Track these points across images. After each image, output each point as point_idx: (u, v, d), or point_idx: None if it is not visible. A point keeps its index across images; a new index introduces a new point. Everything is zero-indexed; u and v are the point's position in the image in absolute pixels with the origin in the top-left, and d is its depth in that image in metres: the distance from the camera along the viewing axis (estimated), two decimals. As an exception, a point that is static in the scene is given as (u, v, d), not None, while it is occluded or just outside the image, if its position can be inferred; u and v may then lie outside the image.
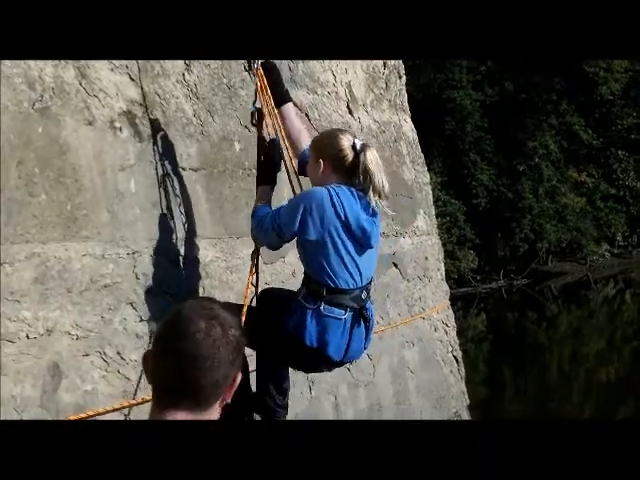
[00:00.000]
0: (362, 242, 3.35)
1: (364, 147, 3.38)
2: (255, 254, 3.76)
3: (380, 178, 3.34)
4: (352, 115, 5.74)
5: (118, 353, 3.54)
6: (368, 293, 3.47)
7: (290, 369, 3.71)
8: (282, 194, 4.19)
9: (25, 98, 3.29)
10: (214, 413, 1.75)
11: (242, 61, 4.60)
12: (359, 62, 5.98)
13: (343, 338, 3.34)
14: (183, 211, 4.02)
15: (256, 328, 3.37)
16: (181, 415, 1.69)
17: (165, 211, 3.89)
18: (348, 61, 5.81)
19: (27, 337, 3.15)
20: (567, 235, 27.92)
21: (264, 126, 3.87)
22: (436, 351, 6.86)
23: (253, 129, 4.67)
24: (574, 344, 16.24)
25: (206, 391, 1.70)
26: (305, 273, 3.47)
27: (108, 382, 3.50)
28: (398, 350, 6.17)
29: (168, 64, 4.09)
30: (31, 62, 3.34)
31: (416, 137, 6.88)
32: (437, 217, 7.13)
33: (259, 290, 3.77)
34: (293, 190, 3.86)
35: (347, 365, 5.29)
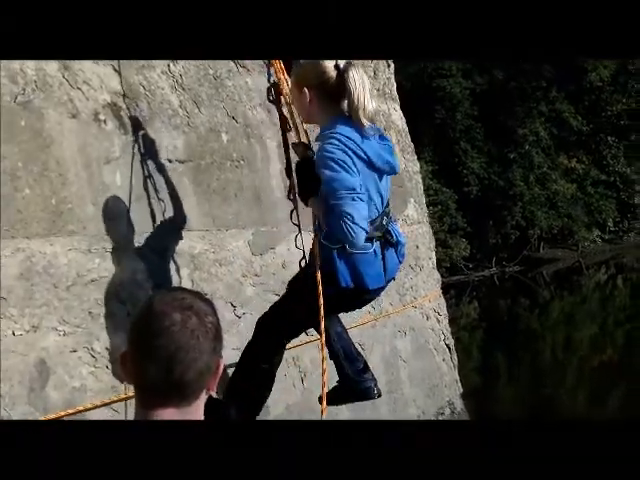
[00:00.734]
0: (386, 172, 3.25)
1: (348, 65, 3.13)
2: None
3: (364, 97, 3.10)
4: (340, 104, 5.70)
5: (106, 349, 3.51)
6: (388, 215, 3.35)
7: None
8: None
9: (7, 92, 3.25)
10: (200, 405, 1.72)
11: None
12: (346, 51, 5.93)
13: (379, 267, 3.27)
14: (170, 204, 3.98)
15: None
16: (169, 413, 1.66)
17: (152, 204, 3.85)
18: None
19: (13, 334, 3.12)
20: (558, 221, 27.97)
21: (282, 102, 3.68)
22: (428, 340, 6.86)
23: (241, 120, 4.65)
24: (567, 330, 16.27)
25: (191, 384, 1.67)
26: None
27: (96, 378, 3.46)
28: (390, 340, 6.15)
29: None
30: (12, 55, 3.30)
31: (405, 126, 6.85)
32: (428, 206, 7.13)
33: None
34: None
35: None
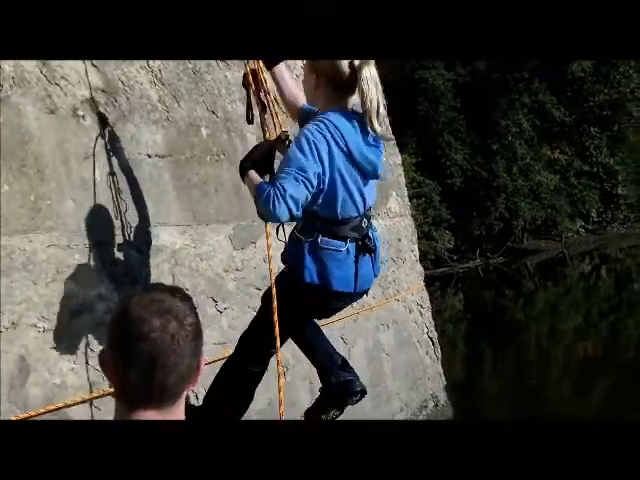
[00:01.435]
0: (367, 172, 3.17)
1: (362, 64, 3.09)
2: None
3: (376, 98, 3.08)
4: (321, 98, 5.70)
5: (87, 345, 3.50)
6: (369, 220, 3.29)
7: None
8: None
9: (-16, 88, 3.23)
10: (181, 404, 1.72)
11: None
12: (327, 44, 5.93)
13: (348, 270, 3.18)
14: (150, 199, 3.97)
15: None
16: (150, 414, 1.65)
17: (132, 199, 3.84)
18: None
19: (-7, 331, 3.11)
20: (542, 212, 28.01)
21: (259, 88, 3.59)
22: (411, 333, 6.87)
23: (221, 114, 4.65)
24: (551, 320, 16.30)
25: (173, 387, 1.66)
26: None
27: (77, 374, 3.46)
28: (373, 333, 6.17)
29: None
30: (-11, 51, 3.28)
31: (387, 117, 6.85)
32: (412, 198, 7.14)
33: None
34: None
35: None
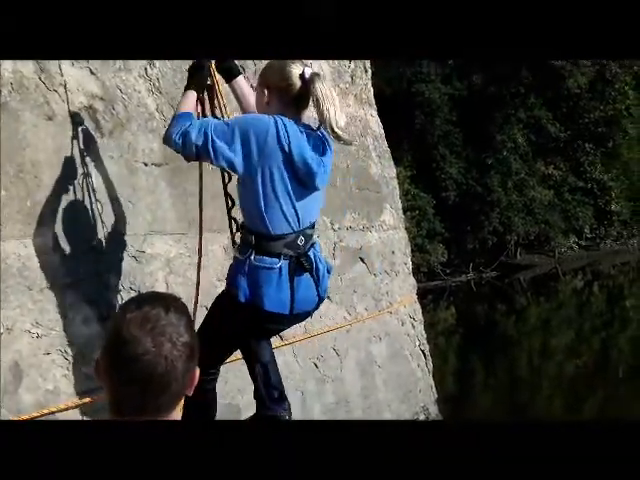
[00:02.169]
0: (305, 181, 3.05)
1: (314, 76, 3.05)
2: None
3: (333, 109, 3.00)
4: (318, 109, 5.72)
5: (80, 351, 3.50)
6: (308, 238, 3.15)
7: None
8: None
9: (-17, 93, 3.25)
10: (177, 411, 1.73)
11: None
12: (324, 56, 5.95)
13: (281, 290, 3.05)
14: (146, 207, 3.98)
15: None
16: None
17: (128, 207, 3.86)
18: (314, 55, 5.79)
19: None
20: (535, 228, 28.00)
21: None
22: (404, 345, 6.87)
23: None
24: (543, 336, 16.32)
25: (167, 403, 1.67)
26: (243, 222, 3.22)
27: (70, 381, 3.46)
28: (365, 345, 6.17)
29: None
30: (-12, 57, 3.30)
31: (382, 131, 6.88)
32: (406, 211, 7.15)
33: None
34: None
35: (314, 360, 5.29)
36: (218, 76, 3.47)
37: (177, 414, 1.73)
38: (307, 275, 3.13)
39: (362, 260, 5.90)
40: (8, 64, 3.37)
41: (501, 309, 20.80)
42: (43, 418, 3.24)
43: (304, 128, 3.07)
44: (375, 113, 6.80)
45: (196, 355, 1.72)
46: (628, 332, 15.36)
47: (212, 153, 2.96)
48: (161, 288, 3.95)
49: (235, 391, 4.40)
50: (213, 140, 2.94)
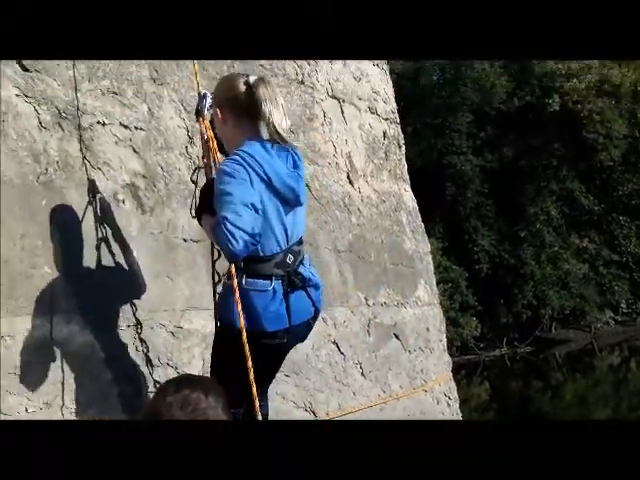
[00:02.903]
0: (289, 199, 3.04)
1: (258, 81, 3.06)
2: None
3: (276, 111, 3.01)
4: (352, 185, 5.78)
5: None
6: (296, 255, 3.13)
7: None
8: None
9: (30, 171, 3.35)
10: None
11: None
12: (359, 133, 6.03)
13: (277, 309, 3.03)
14: (184, 282, 4.02)
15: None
16: None
17: (167, 282, 3.90)
18: (348, 132, 5.87)
19: (26, 410, 3.14)
20: (570, 302, 27.73)
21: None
22: (438, 423, 6.79)
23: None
24: (580, 413, 16.05)
25: None
26: None
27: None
28: (400, 422, 6.10)
29: (171, 137, 4.13)
30: (36, 136, 3.39)
31: (416, 206, 6.91)
32: (439, 283, 7.12)
33: None
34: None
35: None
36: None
37: None
38: (302, 292, 3.14)
39: (396, 337, 5.87)
40: (54, 142, 3.47)
41: (536, 385, 20.52)
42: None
43: (269, 146, 3.04)
44: (409, 188, 6.84)
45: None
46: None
47: (256, 207, 2.91)
48: (198, 364, 3.96)
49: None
50: (250, 205, 2.89)
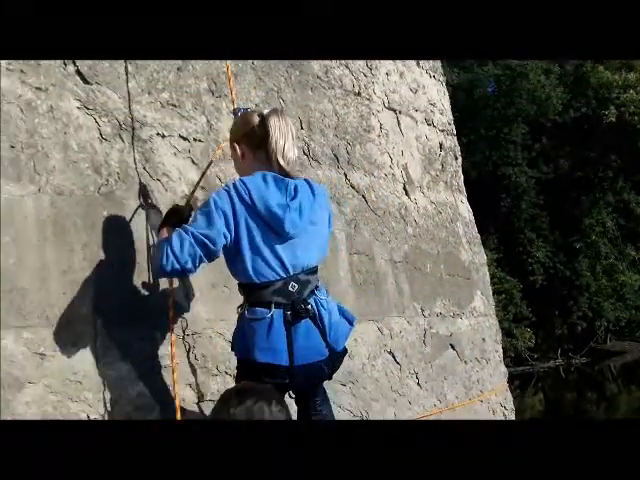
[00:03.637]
0: (275, 228, 2.93)
1: (271, 112, 3.06)
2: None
3: (282, 141, 3.01)
4: (409, 196, 5.77)
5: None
6: (304, 284, 3.02)
7: None
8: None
9: (91, 182, 3.39)
10: None
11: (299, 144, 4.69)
12: (415, 144, 6.03)
13: (274, 340, 2.90)
14: (241, 292, 4.05)
15: None
16: None
17: (223, 292, 3.92)
18: (404, 143, 5.87)
19: (87, 417, 3.18)
20: (626, 313, 27.35)
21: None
22: (494, 434, 6.71)
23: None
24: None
25: None
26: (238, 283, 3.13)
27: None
28: (455, 433, 6.05)
29: (229, 149, 4.17)
30: (98, 148, 3.45)
31: (472, 218, 6.87)
32: (493, 294, 7.06)
33: None
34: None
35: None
36: None
37: None
38: (307, 323, 2.98)
39: (452, 347, 5.84)
40: (115, 154, 3.52)
41: (591, 397, 20.22)
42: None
43: (270, 176, 3.00)
44: (465, 199, 6.81)
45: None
46: None
47: (216, 244, 2.90)
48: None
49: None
50: (207, 236, 2.88)
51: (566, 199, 27.47)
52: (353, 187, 5.13)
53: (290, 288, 2.97)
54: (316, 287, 3.09)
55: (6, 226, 3.00)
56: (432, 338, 5.59)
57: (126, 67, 3.67)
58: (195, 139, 3.98)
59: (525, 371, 23.53)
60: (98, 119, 3.52)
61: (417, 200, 5.87)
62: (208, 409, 3.61)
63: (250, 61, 4.43)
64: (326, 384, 3.36)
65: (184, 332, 3.66)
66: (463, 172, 7.00)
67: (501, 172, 26.57)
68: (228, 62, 4.11)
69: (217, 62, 4.18)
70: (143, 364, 3.45)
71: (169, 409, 3.48)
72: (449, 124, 6.75)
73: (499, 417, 6.43)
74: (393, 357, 5.10)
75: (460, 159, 6.88)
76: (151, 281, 3.56)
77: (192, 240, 2.85)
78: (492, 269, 21.45)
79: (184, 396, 3.59)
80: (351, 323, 3.25)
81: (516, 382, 19.82)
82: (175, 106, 3.92)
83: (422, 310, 5.55)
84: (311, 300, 3.02)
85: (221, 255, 3.01)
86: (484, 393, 6.20)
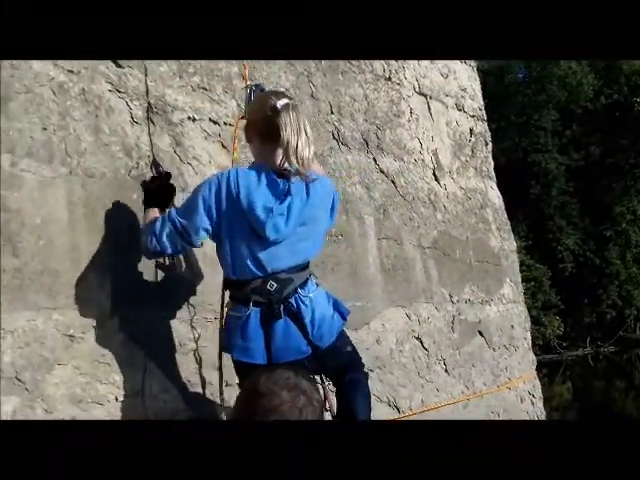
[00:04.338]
0: (257, 231, 2.88)
1: (285, 106, 2.92)
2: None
3: (295, 140, 2.88)
4: (438, 182, 5.75)
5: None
6: (284, 283, 2.94)
7: None
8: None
9: (122, 165, 3.41)
10: None
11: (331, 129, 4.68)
12: (445, 130, 6.00)
13: (251, 338, 2.90)
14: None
15: None
16: None
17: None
18: (435, 129, 5.84)
19: (116, 399, 3.20)
20: (656, 302, 27.15)
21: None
22: (522, 422, 6.70)
23: (340, 196, 4.72)
24: (663, 415, 15.68)
25: None
26: None
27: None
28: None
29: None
30: (129, 131, 3.46)
31: (502, 204, 6.83)
32: (522, 282, 7.02)
33: None
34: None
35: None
36: None
37: None
38: (286, 322, 2.93)
39: (481, 334, 5.83)
40: (145, 138, 3.53)
41: (619, 385, 20.10)
42: None
43: (265, 172, 2.93)
44: (495, 186, 6.77)
45: (323, 414, 1.78)
46: None
47: (192, 236, 2.92)
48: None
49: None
50: (184, 228, 2.91)
51: (596, 186, 27.21)
52: (382, 172, 5.11)
53: (268, 287, 2.93)
54: (304, 282, 3.04)
55: (38, 208, 3.02)
56: (460, 324, 5.58)
57: (157, 50, 3.68)
58: (225, 123, 3.98)
59: (553, 359, 23.40)
60: (129, 102, 3.53)
61: (447, 186, 5.85)
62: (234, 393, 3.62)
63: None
64: None
65: (214, 316, 3.67)
66: (492, 158, 6.97)
67: (531, 159, 26.37)
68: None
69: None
70: (170, 347, 3.47)
71: (195, 393, 3.51)
72: (480, 110, 6.71)
73: (527, 405, 6.41)
74: (421, 343, 5.10)
75: (490, 145, 6.83)
76: (181, 264, 3.58)
77: (172, 229, 2.91)
78: (521, 256, 21.28)
79: (210, 379, 3.61)
80: (344, 318, 3.20)
81: (544, 370, 19.71)
82: (206, 90, 3.93)
83: (450, 296, 5.53)
84: (292, 298, 2.96)
85: None
86: (512, 380, 6.19)
